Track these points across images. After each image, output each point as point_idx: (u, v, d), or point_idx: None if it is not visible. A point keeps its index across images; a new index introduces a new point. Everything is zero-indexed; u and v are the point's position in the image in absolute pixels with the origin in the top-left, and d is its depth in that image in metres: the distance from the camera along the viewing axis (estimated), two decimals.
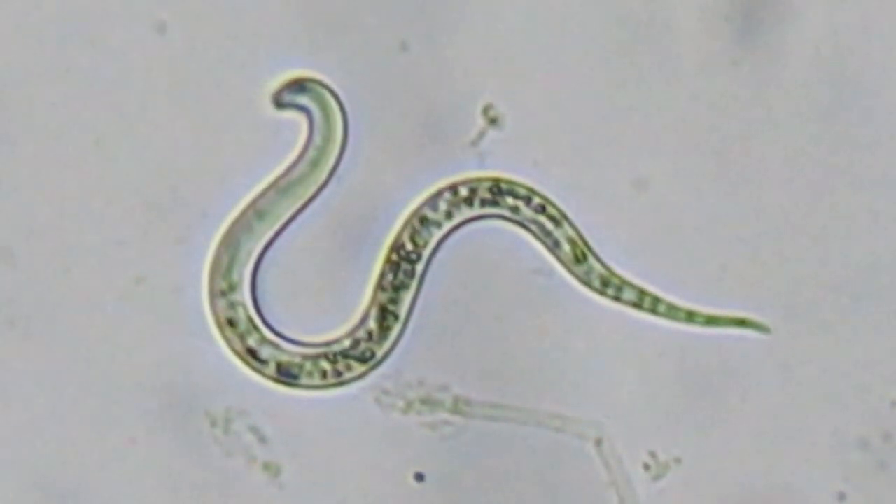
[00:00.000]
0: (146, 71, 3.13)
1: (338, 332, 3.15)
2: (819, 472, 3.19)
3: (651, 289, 3.15)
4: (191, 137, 3.13)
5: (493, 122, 3.13)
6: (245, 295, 3.11)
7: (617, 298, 3.15)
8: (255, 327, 3.12)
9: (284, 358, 3.13)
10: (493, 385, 3.16)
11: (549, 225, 3.14)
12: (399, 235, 3.13)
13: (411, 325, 3.14)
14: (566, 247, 3.14)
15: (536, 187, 3.13)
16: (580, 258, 3.14)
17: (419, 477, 3.16)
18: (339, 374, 3.14)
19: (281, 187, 3.11)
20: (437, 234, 3.14)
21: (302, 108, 3.11)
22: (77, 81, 3.12)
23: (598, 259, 3.15)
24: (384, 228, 3.14)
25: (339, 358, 3.14)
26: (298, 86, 3.11)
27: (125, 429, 3.14)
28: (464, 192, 3.14)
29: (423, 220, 3.13)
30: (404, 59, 3.13)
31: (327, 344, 3.15)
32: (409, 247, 3.13)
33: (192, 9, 3.13)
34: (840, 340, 3.19)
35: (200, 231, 3.12)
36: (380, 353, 3.14)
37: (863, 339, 3.19)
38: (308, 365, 3.14)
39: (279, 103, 3.11)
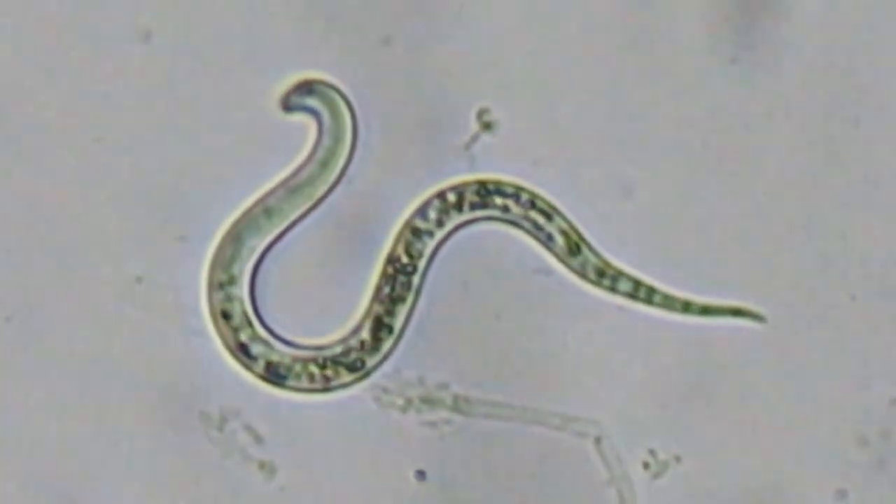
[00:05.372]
0: (149, 72, 3.14)
1: (331, 337, 3.15)
2: (818, 470, 3.18)
3: (646, 279, 3.15)
4: (193, 138, 3.14)
5: (486, 126, 3.13)
6: (243, 290, 3.11)
7: (613, 289, 3.15)
8: (249, 323, 3.12)
9: (275, 357, 3.13)
10: (493, 383, 3.16)
11: (541, 220, 3.13)
12: (394, 248, 3.13)
13: (409, 326, 3.14)
14: (559, 240, 3.14)
15: (525, 185, 3.14)
16: (574, 250, 3.14)
17: (420, 475, 3.15)
18: (326, 379, 3.14)
19: (291, 187, 3.11)
20: (431, 244, 3.13)
21: (310, 111, 3.11)
22: (79, 80, 3.13)
23: (592, 250, 3.14)
24: (384, 235, 3.14)
25: (329, 364, 3.14)
26: (306, 88, 3.11)
27: (122, 428, 3.14)
28: (451, 197, 3.14)
29: (415, 231, 3.13)
30: (400, 58, 3.14)
31: (319, 348, 3.15)
32: (405, 259, 3.13)
33: (192, 9, 3.14)
34: (839, 338, 3.18)
35: (201, 231, 3.12)
36: (370, 364, 3.14)
37: (862, 336, 3.18)
38: (297, 367, 3.13)
39: (287, 107, 3.11)
